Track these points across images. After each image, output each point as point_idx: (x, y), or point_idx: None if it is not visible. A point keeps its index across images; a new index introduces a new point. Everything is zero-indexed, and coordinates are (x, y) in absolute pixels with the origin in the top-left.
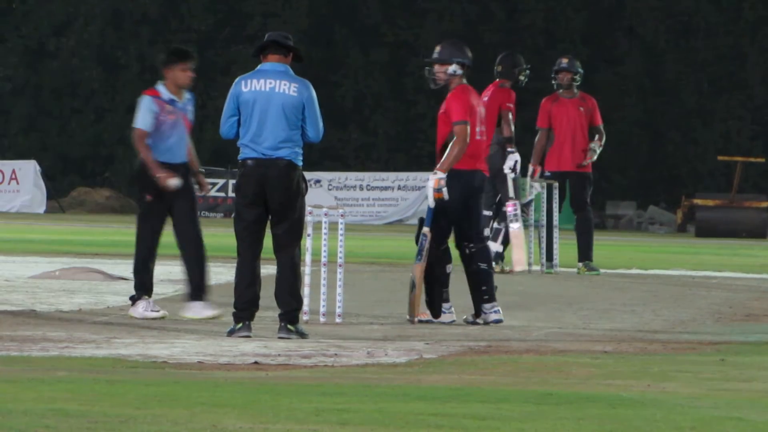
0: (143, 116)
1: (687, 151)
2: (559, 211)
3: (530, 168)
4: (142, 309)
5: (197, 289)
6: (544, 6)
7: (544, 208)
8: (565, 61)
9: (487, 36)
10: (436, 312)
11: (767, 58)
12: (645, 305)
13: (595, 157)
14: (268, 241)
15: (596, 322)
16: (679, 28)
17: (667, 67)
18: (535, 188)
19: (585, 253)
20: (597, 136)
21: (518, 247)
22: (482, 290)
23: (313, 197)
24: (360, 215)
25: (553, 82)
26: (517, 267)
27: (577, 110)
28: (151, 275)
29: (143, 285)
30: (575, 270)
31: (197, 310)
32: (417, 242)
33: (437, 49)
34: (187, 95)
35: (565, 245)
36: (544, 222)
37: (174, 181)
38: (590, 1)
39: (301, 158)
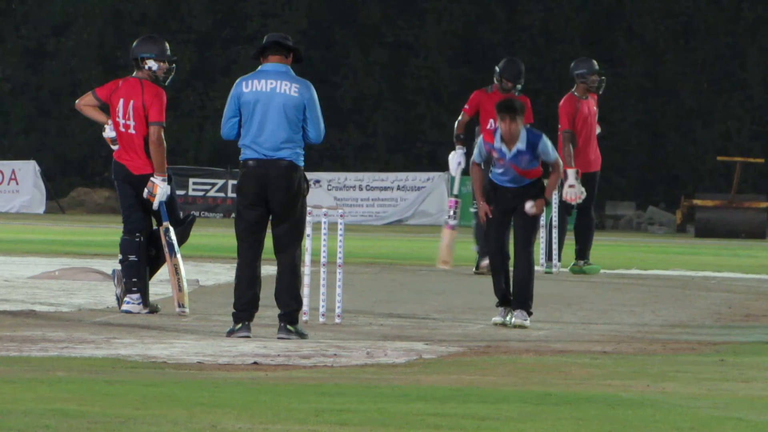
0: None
1: (686, 152)
2: (569, 214)
3: (573, 171)
4: None
5: None
6: (544, 6)
7: (555, 209)
8: (595, 63)
9: (487, 36)
10: None
11: (767, 58)
12: (644, 305)
13: (600, 129)
14: (268, 241)
15: (596, 322)
16: (679, 28)
17: (667, 67)
18: (582, 191)
19: (583, 252)
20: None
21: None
22: None
23: (312, 197)
24: (359, 215)
25: (583, 85)
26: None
27: (593, 110)
28: None
29: None
30: (569, 269)
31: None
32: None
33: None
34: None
35: (568, 245)
36: (556, 222)
37: None
38: (590, 1)
39: (302, 159)
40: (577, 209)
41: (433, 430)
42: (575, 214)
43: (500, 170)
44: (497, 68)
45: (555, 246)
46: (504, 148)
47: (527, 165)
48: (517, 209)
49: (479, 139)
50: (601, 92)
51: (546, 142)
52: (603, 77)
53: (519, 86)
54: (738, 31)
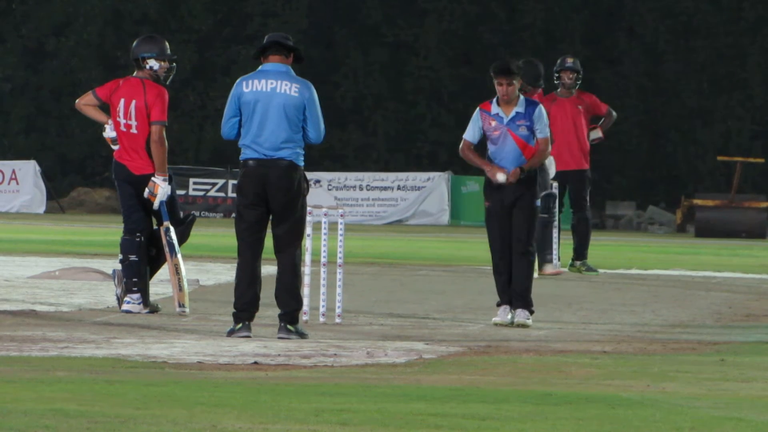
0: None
1: (687, 151)
2: (560, 212)
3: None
4: None
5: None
6: (544, 6)
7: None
8: (570, 60)
9: (487, 36)
10: None
11: (767, 58)
12: (645, 305)
13: (600, 134)
14: (268, 241)
15: (596, 322)
16: (679, 28)
17: (667, 67)
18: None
19: (581, 252)
20: (602, 122)
21: None
22: None
23: (312, 197)
24: (360, 215)
25: (556, 81)
26: None
27: (575, 109)
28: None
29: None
30: (567, 268)
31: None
32: None
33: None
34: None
35: (566, 245)
36: (556, 222)
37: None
38: (590, 1)
39: (302, 159)
40: (573, 209)
41: (433, 430)
42: (571, 214)
43: (496, 146)
44: None
45: (555, 246)
46: (501, 113)
47: (526, 137)
48: (516, 204)
49: (475, 112)
50: (575, 89)
51: (543, 111)
52: (576, 74)
53: (539, 88)
54: (738, 31)
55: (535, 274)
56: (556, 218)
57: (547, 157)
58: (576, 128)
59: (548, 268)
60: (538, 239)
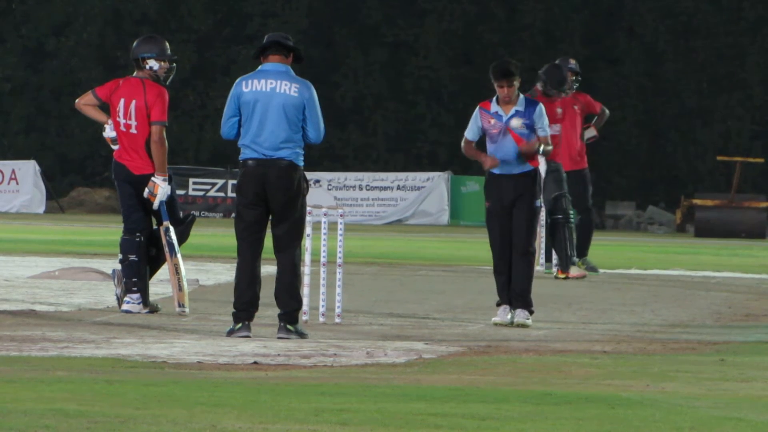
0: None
1: (687, 151)
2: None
3: None
4: None
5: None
6: (544, 6)
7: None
8: (572, 61)
9: (487, 36)
10: None
11: (767, 58)
12: (644, 305)
13: (595, 132)
14: (268, 241)
15: (596, 322)
16: (679, 28)
17: (667, 67)
18: None
19: (581, 250)
20: (595, 120)
21: None
22: None
23: (312, 197)
24: (359, 215)
25: None
26: None
27: (571, 109)
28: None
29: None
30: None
31: None
32: None
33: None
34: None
35: None
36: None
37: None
38: (590, 1)
39: (302, 158)
40: (576, 210)
41: (433, 430)
42: (575, 214)
43: (495, 144)
44: (541, 74)
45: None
46: (501, 111)
47: (525, 135)
48: (516, 204)
49: (475, 111)
50: (570, 90)
51: (543, 110)
52: (576, 75)
53: (563, 92)
54: (738, 31)
55: (561, 276)
56: (572, 218)
57: (550, 152)
58: (573, 128)
59: (573, 270)
60: (560, 241)
